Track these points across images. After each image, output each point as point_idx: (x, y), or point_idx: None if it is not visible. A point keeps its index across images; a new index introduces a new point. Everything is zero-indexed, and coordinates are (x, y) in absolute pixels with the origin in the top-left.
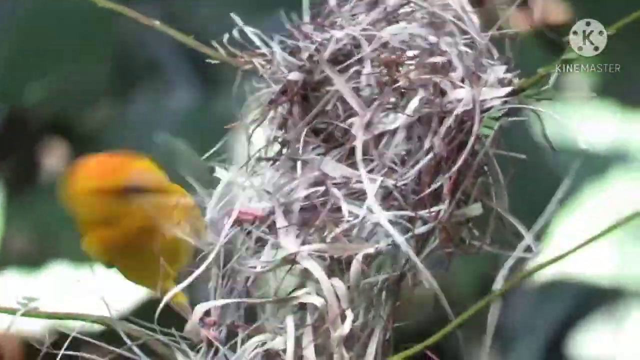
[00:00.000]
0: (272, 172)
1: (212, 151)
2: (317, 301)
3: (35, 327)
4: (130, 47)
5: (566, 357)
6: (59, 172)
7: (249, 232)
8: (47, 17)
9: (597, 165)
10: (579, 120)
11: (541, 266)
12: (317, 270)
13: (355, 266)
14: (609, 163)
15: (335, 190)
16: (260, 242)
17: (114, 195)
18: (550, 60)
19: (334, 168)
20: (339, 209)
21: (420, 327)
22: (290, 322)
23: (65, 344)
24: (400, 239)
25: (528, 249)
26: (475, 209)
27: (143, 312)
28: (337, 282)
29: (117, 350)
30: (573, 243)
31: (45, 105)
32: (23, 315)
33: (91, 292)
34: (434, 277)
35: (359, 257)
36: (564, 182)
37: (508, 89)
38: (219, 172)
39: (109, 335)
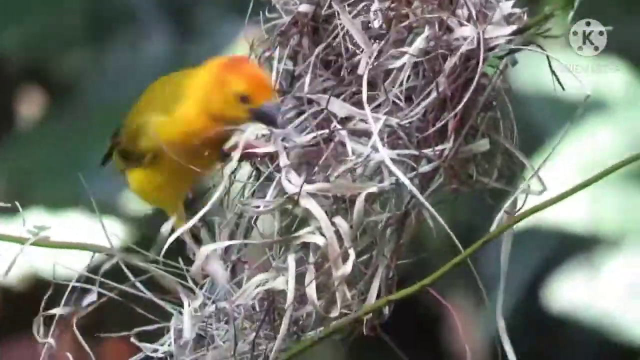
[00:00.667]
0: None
1: None
2: (319, 240)
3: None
4: None
5: (543, 304)
6: (36, 118)
7: (257, 169)
8: None
9: (573, 112)
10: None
11: (545, 205)
12: (317, 209)
13: (358, 205)
14: (584, 110)
15: (340, 129)
16: (266, 181)
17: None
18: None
19: (340, 107)
20: (344, 148)
21: (425, 265)
22: (291, 261)
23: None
24: (403, 177)
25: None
26: (482, 145)
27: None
28: (339, 220)
29: (121, 287)
30: (553, 188)
31: (21, 53)
32: (33, 244)
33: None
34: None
35: (362, 196)
36: (567, 124)
37: (513, 28)
38: None
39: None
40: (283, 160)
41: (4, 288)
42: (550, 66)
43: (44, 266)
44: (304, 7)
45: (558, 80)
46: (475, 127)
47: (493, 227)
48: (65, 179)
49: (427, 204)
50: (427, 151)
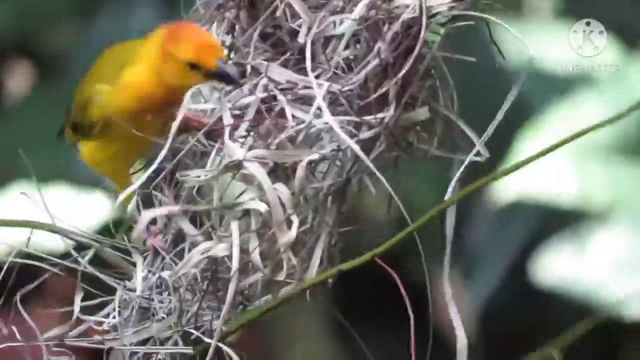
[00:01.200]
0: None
1: None
2: (262, 206)
3: None
4: None
5: (529, 279)
6: (23, 92)
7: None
8: None
9: (559, 86)
10: (538, 39)
11: (503, 173)
12: (262, 175)
13: (299, 172)
14: (571, 84)
15: (280, 96)
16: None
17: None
18: None
19: (280, 73)
20: (284, 116)
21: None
22: (235, 227)
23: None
24: (351, 142)
25: (478, 154)
26: (422, 113)
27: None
28: (281, 187)
29: (63, 262)
30: (543, 163)
31: (9, 27)
32: None
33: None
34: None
35: (304, 162)
36: (511, 91)
37: None
38: None
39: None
40: (227, 119)
41: None
42: (490, 35)
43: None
44: None
45: (499, 50)
46: (415, 96)
47: (447, 196)
48: (52, 152)
49: (373, 167)
50: (369, 118)
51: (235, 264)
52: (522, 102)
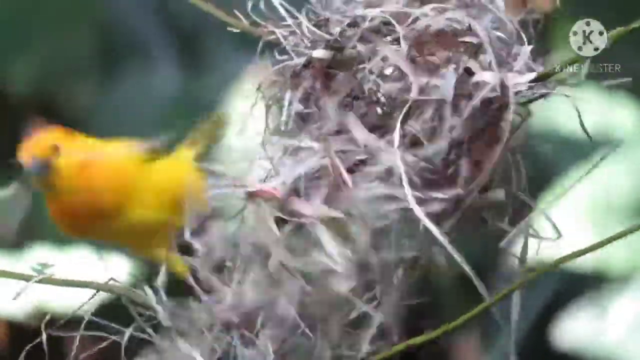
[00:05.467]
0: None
1: None
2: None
3: (18, 312)
4: (115, 27)
5: (550, 344)
6: None
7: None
8: None
9: (582, 150)
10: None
11: (572, 256)
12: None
13: (363, 238)
14: (594, 148)
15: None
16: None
17: None
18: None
19: (361, 132)
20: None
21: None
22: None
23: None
24: (429, 223)
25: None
26: (499, 194)
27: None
28: (343, 250)
29: (128, 330)
30: (562, 229)
31: (30, 86)
32: (38, 282)
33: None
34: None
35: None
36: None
37: (534, 75)
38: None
39: (109, 313)
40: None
41: (13, 324)
42: (580, 120)
43: (52, 303)
44: (319, 53)
45: (587, 132)
46: (491, 174)
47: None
48: None
49: (446, 242)
50: (440, 194)
51: None
52: (542, 166)
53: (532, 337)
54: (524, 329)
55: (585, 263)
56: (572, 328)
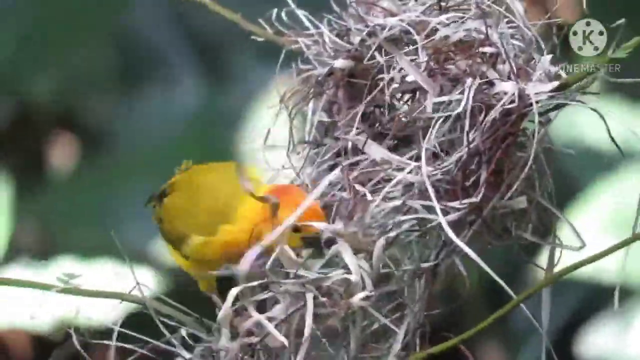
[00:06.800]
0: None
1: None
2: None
3: (43, 325)
4: (136, 40)
5: (574, 357)
6: (67, 166)
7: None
8: (53, 10)
9: (605, 162)
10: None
11: (585, 262)
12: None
13: (377, 251)
14: (617, 160)
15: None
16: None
17: None
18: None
19: (377, 152)
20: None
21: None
22: (310, 298)
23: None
24: (454, 236)
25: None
26: (521, 202)
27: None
28: (364, 264)
29: (156, 342)
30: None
31: (52, 100)
32: (62, 292)
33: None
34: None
35: (380, 242)
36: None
37: (554, 84)
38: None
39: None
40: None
41: (37, 337)
42: (608, 130)
43: (77, 316)
44: (340, 63)
45: (618, 146)
46: (511, 184)
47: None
48: (96, 227)
49: (470, 250)
50: (458, 204)
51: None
52: (566, 179)
53: (556, 349)
54: (549, 341)
55: (610, 275)
56: (596, 341)
